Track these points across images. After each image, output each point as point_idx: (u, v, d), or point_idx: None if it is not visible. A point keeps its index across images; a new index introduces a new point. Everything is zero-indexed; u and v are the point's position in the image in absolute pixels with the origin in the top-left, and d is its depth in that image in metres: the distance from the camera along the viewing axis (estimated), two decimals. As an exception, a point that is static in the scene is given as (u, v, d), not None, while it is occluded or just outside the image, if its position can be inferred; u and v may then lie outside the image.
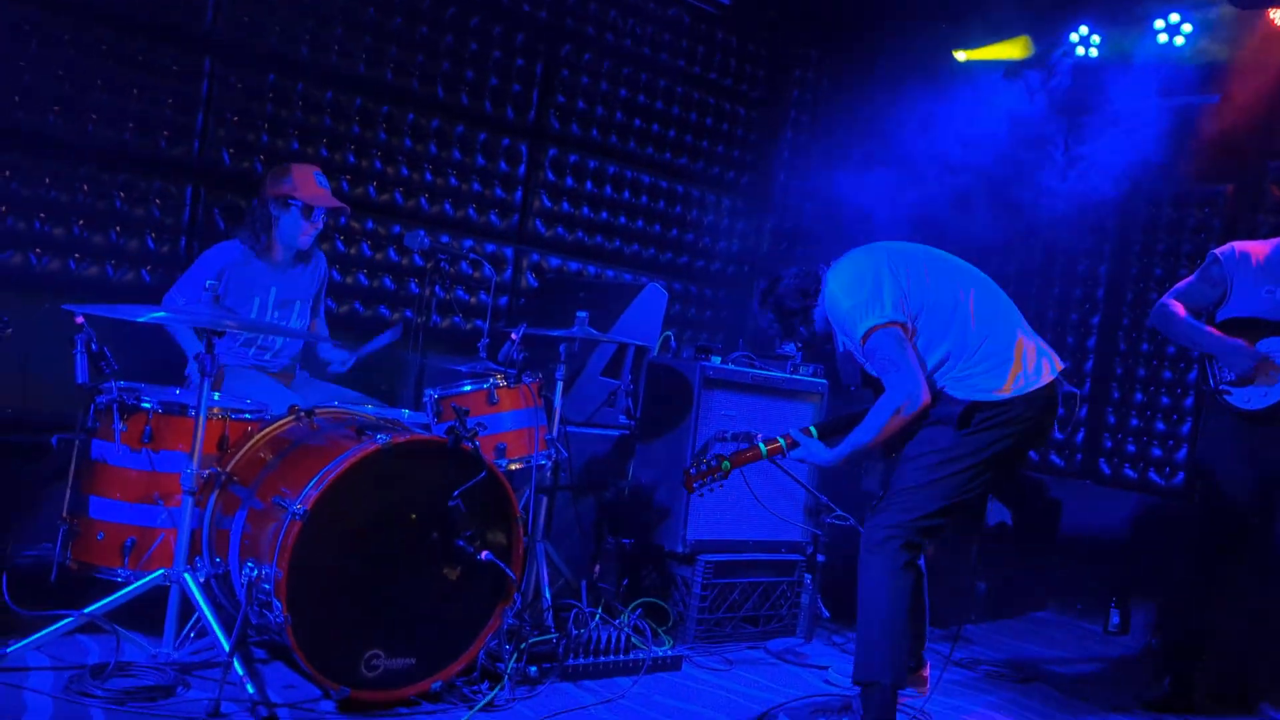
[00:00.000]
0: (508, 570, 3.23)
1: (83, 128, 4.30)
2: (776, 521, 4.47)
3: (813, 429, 3.58)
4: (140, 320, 3.01)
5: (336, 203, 4.16)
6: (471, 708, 3.13)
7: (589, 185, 5.93)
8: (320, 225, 4.15)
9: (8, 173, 4.15)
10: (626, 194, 6.09)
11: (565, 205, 5.85)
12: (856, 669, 3.26)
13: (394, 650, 3.08)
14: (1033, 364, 3.32)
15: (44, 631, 2.95)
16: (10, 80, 4.11)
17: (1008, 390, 3.26)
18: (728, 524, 4.40)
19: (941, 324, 3.30)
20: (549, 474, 3.97)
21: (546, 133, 5.72)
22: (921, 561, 3.40)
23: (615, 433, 4.67)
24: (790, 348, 4.83)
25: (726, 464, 3.64)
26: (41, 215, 4.25)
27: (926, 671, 3.77)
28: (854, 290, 3.31)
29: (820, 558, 4.50)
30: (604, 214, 6.01)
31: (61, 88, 4.23)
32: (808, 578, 4.48)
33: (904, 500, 3.28)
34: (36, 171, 4.21)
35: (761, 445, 3.59)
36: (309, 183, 4.08)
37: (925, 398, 3.21)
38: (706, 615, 4.22)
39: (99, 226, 4.41)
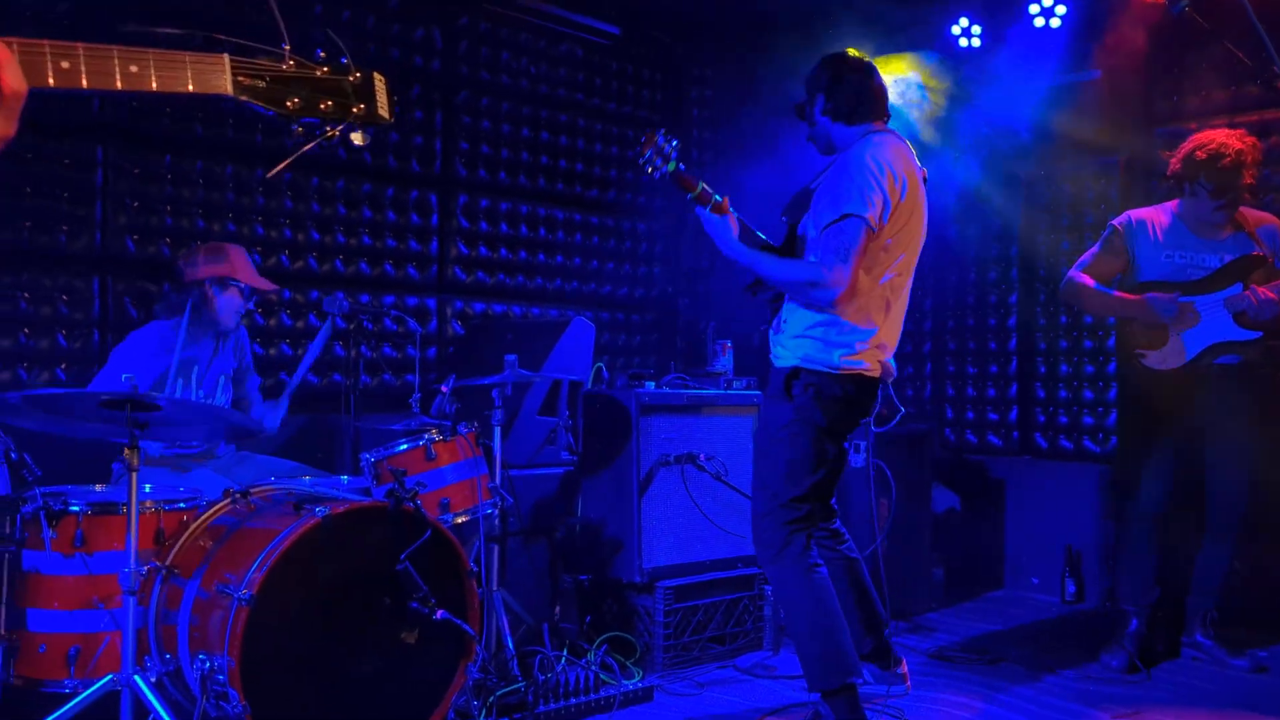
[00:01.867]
0: (465, 626, 3.21)
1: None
2: (729, 538, 4.50)
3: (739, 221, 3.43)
4: (58, 392, 2.94)
5: (270, 286, 4.16)
6: (446, 770, 3.09)
7: (503, 227, 5.93)
8: (247, 305, 4.14)
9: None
10: (542, 231, 6.11)
11: (483, 249, 5.84)
12: (809, 681, 3.30)
13: (370, 723, 3.03)
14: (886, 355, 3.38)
15: (-7, 757, 2.85)
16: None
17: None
18: (682, 547, 4.42)
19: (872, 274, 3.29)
20: (497, 522, 3.95)
21: (454, 180, 5.72)
22: (850, 547, 3.46)
23: (559, 470, 4.66)
24: (720, 363, 4.88)
25: (673, 165, 3.34)
26: (-57, 326, 4.13)
27: (905, 668, 3.80)
28: (870, 173, 3.19)
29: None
30: (522, 253, 6.02)
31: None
32: (768, 589, 4.51)
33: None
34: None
35: (713, 194, 3.38)
36: (246, 265, 4.10)
37: (840, 303, 3.21)
38: (672, 641, 4.22)
39: (6, 330, 4.29)
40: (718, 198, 3.39)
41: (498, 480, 3.87)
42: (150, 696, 2.95)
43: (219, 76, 1.57)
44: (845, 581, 3.60)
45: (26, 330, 4.35)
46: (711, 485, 4.44)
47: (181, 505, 3.36)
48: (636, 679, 3.95)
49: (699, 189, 3.36)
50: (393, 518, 3.15)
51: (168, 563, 3.20)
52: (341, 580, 3.05)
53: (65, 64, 1.45)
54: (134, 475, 2.98)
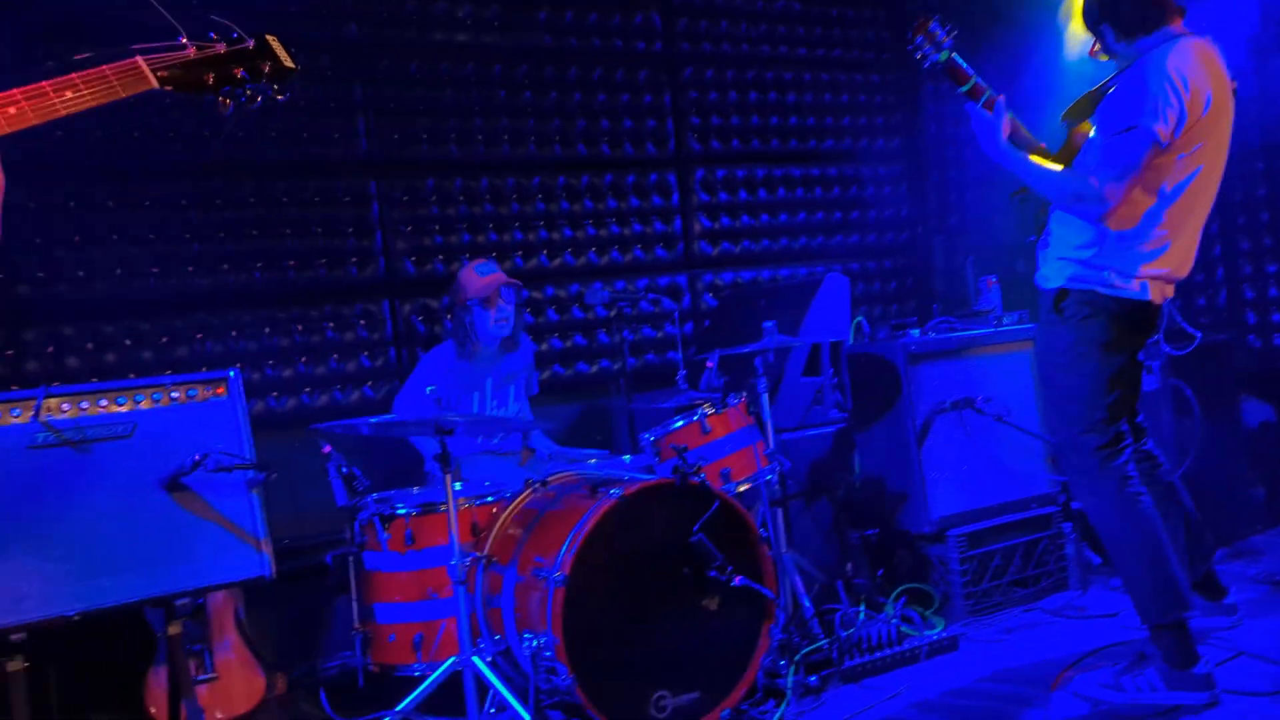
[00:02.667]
0: (763, 589, 3.30)
1: (284, 276, 4.72)
2: (1018, 479, 4.35)
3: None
4: (370, 425, 3.30)
5: (501, 279, 4.33)
6: (764, 728, 3.21)
7: (742, 194, 5.97)
8: (509, 304, 4.35)
9: (234, 332, 4.59)
10: (780, 192, 6.10)
11: (724, 220, 5.91)
12: (1141, 615, 3.13)
13: (677, 688, 3.20)
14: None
15: (368, 734, 3.24)
16: (214, 246, 4.55)
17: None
18: (969, 493, 4.31)
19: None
20: (777, 486, 4.02)
21: (690, 157, 5.81)
22: (1166, 470, 3.24)
23: (830, 429, 4.67)
24: (986, 300, 4.70)
25: (946, 55, 3.18)
26: (270, 362, 4.68)
27: (1233, 598, 3.55)
28: (1169, 82, 2.94)
29: (1075, 504, 4.33)
30: (763, 217, 6.03)
31: (257, 244, 4.66)
32: (1067, 527, 4.32)
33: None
34: (256, 324, 4.64)
35: (986, 89, 3.19)
36: (473, 279, 4.34)
37: (1110, 219, 3.01)
38: (972, 589, 4.14)
39: (319, 359, 4.81)
40: (991, 92, 3.18)
41: (772, 445, 3.94)
42: (489, 675, 3.25)
43: (141, 78, 1.81)
44: (1167, 506, 3.33)
45: (335, 355, 4.85)
46: (993, 428, 4.30)
47: (490, 499, 3.65)
48: (938, 629, 3.91)
49: (972, 82, 3.17)
50: (681, 492, 3.29)
51: (485, 552, 3.50)
52: (641, 555, 3.23)
53: (12, 110, 1.67)
54: (448, 478, 3.28)
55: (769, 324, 4.02)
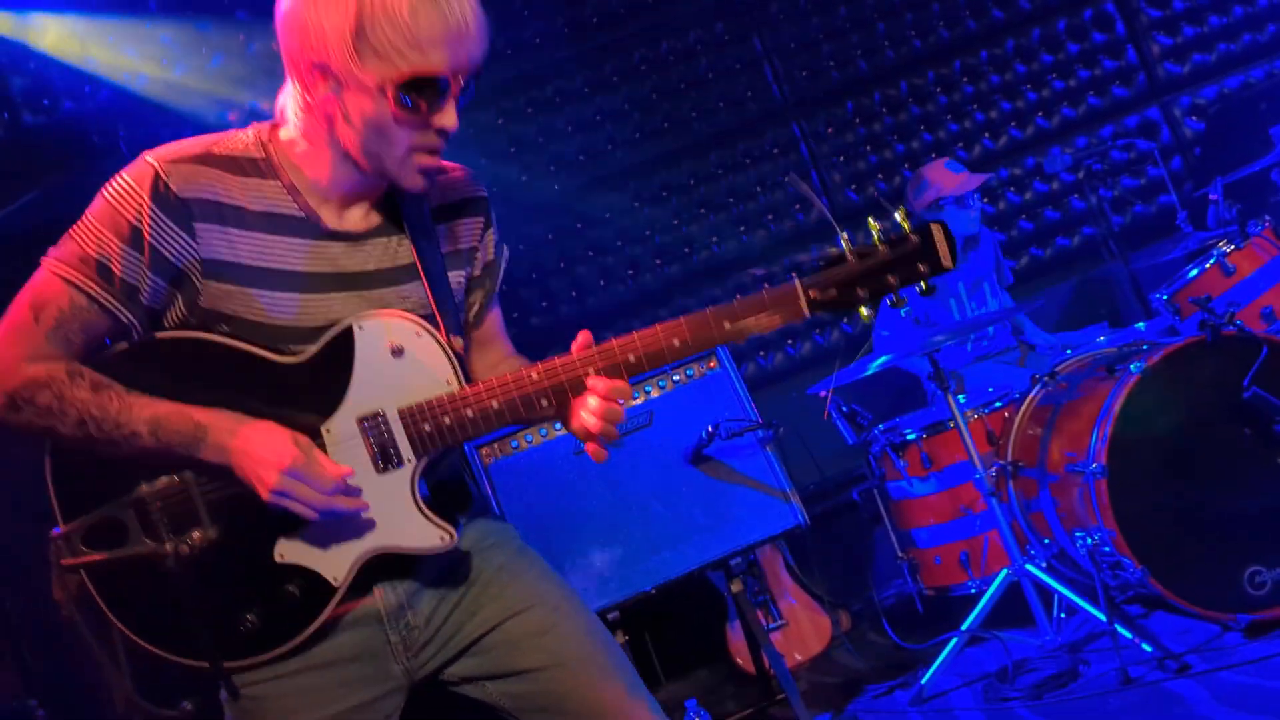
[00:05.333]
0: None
1: (739, 242, 4.89)
2: None
3: None
4: (869, 372, 3.30)
5: (979, 179, 4.09)
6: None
7: (1200, -11, 5.12)
8: (978, 206, 4.14)
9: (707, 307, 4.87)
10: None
11: (1186, 30, 5.11)
12: None
13: (1273, 560, 2.82)
14: None
15: (941, 656, 3.24)
16: (672, 235, 4.85)
17: None
18: None
19: None
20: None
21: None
22: None
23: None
24: None
25: None
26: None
27: None
28: None
29: None
30: (1236, 10, 5.13)
31: (709, 221, 4.88)
32: None
33: None
34: (726, 295, 4.87)
35: None
36: (946, 176, 4.11)
37: None
38: None
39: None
40: None
41: (1322, 265, 3.32)
42: (1047, 580, 3.12)
43: (795, 304, 1.61)
44: None
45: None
46: None
47: (998, 404, 3.49)
48: None
49: None
50: (1215, 348, 2.89)
51: (1009, 459, 3.34)
52: (1186, 426, 2.89)
53: (676, 341, 1.63)
54: (948, 396, 3.19)
55: (1277, 128, 3.40)
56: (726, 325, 1.64)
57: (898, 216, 1.63)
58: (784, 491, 3.22)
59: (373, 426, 1.57)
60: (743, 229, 4.89)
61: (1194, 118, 5.08)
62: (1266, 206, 3.46)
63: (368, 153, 1.53)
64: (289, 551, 1.57)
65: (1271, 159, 3.36)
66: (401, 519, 1.58)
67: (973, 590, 3.39)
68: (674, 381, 3.28)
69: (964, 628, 3.21)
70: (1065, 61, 5.06)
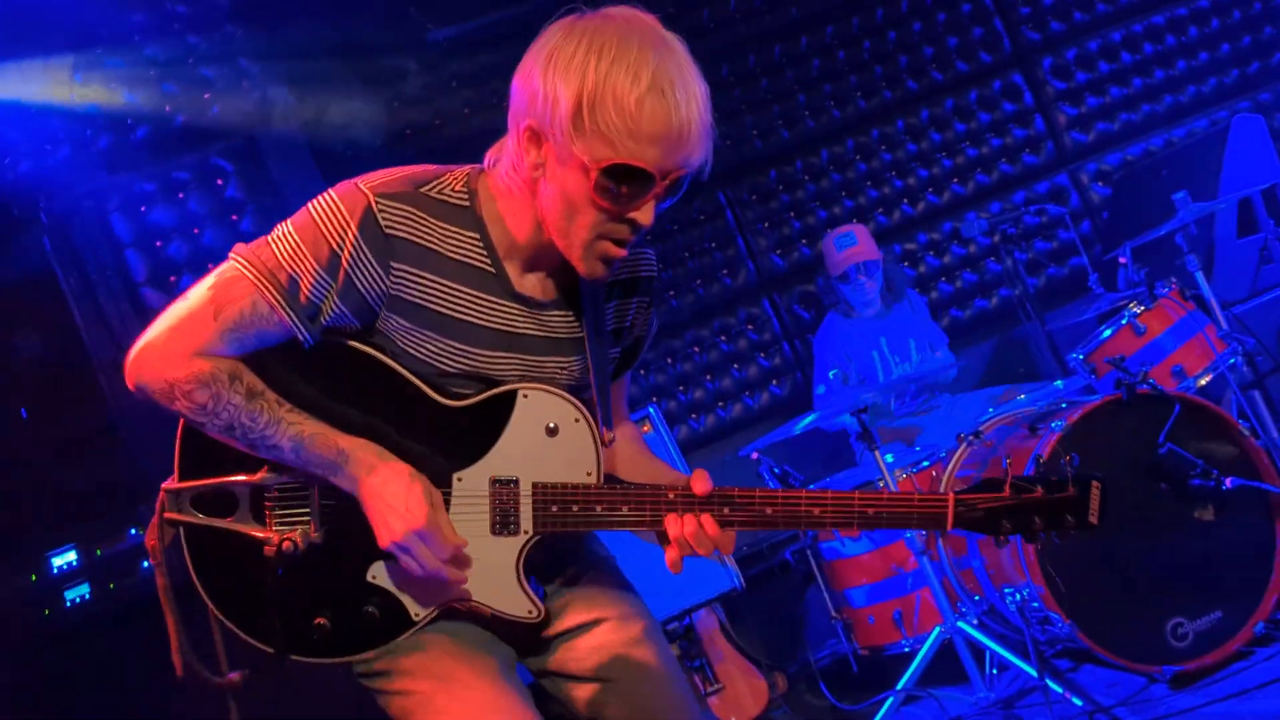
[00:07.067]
0: (1264, 486, 2.90)
1: (668, 306, 4.95)
2: None
3: None
4: (796, 432, 3.33)
5: (862, 258, 4.21)
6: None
7: (1102, 66, 5.38)
8: (870, 277, 4.24)
9: (641, 370, 4.89)
10: (1147, 48, 5.42)
11: (1090, 100, 5.36)
12: None
13: (1193, 611, 2.90)
14: None
15: (878, 717, 3.25)
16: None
17: None
18: None
19: None
20: (1245, 368, 3.53)
21: (1030, 48, 5.35)
22: None
23: (1291, 285, 4.04)
24: None
25: None
26: (680, 388, 4.92)
27: None
28: None
29: None
30: (1135, 82, 5.39)
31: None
32: None
33: None
34: (658, 358, 4.91)
35: None
36: (830, 253, 4.28)
37: None
38: None
39: (722, 373, 4.98)
40: None
41: (1225, 325, 3.47)
42: (978, 636, 3.16)
43: (941, 512, 1.60)
44: None
45: (735, 365, 5.00)
46: None
47: (925, 463, 3.55)
48: None
49: None
50: (1131, 406, 2.99)
51: (938, 517, 3.39)
52: (1107, 483, 2.96)
53: (815, 510, 1.59)
54: (876, 454, 3.24)
55: (1179, 195, 3.57)
56: (870, 512, 1.62)
57: (1064, 464, 1.63)
58: (718, 555, 3.21)
59: (503, 490, 1.60)
60: (671, 293, 4.95)
61: (1100, 183, 5.30)
62: (1172, 269, 3.61)
63: (557, 228, 1.53)
64: (381, 575, 1.60)
65: (1175, 224, 3.51)
66: (499, 584, 1.62)
67: (906, 649, 3.42)
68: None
69: (899, 687, 3.22)
70: (977, 130, 5.26)
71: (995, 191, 5.24)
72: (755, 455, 3.75)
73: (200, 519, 1.58)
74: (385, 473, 1.52)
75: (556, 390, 1.62)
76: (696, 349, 4.96)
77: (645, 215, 1.51)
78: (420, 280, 1.55)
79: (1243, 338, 3.48)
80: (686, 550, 1.60)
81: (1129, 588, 2.92)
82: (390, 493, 1.51)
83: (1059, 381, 3.75)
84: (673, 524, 1.60)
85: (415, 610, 1.61)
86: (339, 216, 1.51)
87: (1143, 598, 2.92)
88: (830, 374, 3.48)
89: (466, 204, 1.58)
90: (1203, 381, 3.37)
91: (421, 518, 1.50)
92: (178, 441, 1.62)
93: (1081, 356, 3.52)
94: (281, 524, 1.58)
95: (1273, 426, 3.48)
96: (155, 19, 3.89)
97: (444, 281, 1.56)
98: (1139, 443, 2.95)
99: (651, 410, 3.50)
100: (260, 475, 1.58)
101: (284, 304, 1.52)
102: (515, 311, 1.62)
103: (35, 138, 3.74)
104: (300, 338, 1.55)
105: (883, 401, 4.27)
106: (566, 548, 1.77)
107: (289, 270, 1.52)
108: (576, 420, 1.62)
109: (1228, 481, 2.87)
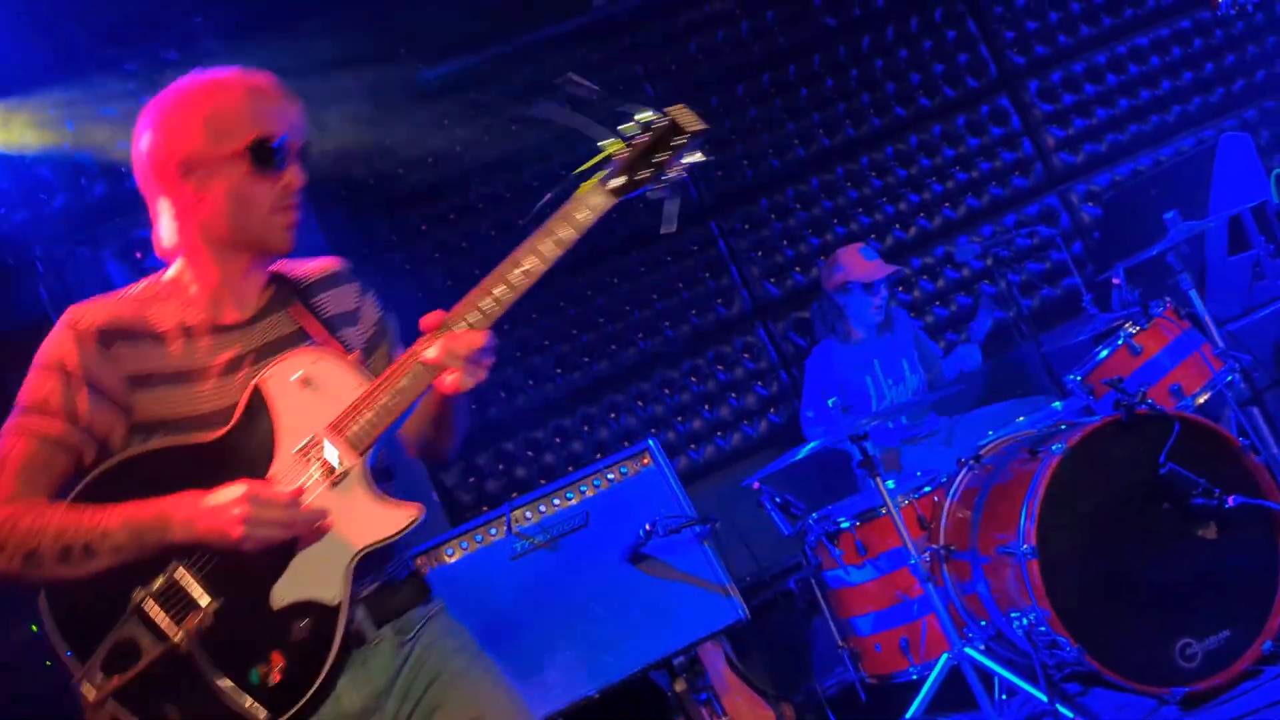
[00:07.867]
0: (1265, 502, 2.90)
1: (664, 337, 4.96)
2: None
3: None
4: (798, 458, 3.33)
5: (888, 270, 4.25)
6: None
7: (1088, 88, 5.43)
8: (884, 295, 4.27)
9: (639, 402, 4.89)
10: (1132, 69, 5.48)
11: (1077, 122, 5.41)
12: None
13: (1201, 631, 2.88)
14: None
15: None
16: (598, 332, 4.88)
17: None
18: None
19: None
20: (1243, 384, 3.54)
21: (1016, 73, 5.40)
22: None
23: (1283, 301, 4.06)
24: None
25: None
26: (678, 418, 4.92)
27: None
28: None
29: None
30: (1122, 103, 5.44)
31: (633, 318, 4.93)
32: None
33: None
34: (655, 389, 4.91)
35: None
36: (857, 261, 4.26)
37: None
38: None
39: (719, 402, 4.98)
40: None
41: (1220, 343, 3.49)
42: (986, 661, 3.13)
43: (600, 197, 1.80)
44: None
45: (732, 394, 5.00)
46: None
47: (927, 489, 3.55)
48: None
49: None
50: (1130, 426, 3.00)
51: (941, 542, 3.39)
52: (1109, 504, 2.97)
53: (526, 265, 1.88)
54: (878, 482, 3.23)
55: (1170, 214, 3.60)
56: (561, 234, 1.86)
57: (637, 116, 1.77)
58: (723, 586, 3.20)
59: (310, 450, 1.69)
60: (667, 323, 4.96)
61: (1091, 204, 5.33)
62: (1166, 288, 3.63)
63: (235, 225, 1.73)
64: (285, 592, 1.66)
65: (1167, 243, 3.54)
66: (368, 517, 1.69)
67: (914, 676, 3.39)
68: (608, 480, 3.26)
69: (908, 715, 3.20)
70: (966, 155, 5.30)
71: (986, 214, 5.27)
72: (756, 485, 3.74)
73: (121, 678, 1.60)
74: (203, 498, 1.63)
75: (280, 356, 1.74)
76: (693, 379, 4.96)
77: (295, 177, 1.75)
78: (139, 351, 1.72)
79: (1239, 354, 3.49)
80: (455, 363, 1.71)
81: (1136, 609, 2.91)
82: (211, 503, 1.61)
83: (1058, 403, 3.75)
84: (431, 358, 1.71)
85: (331, 596, 1.65)
86: (53, 339, 1.73)
87: (1150, 619, 2.91)
88: (829, 402, 3.48)
89: (158, 281, 1.80)
90: (1201, 399, 3.37)
91: (238, 493, 1.59)
92: (53, 626, 1.66)
93: (1079, 378, 3.52)
94: (177, 616, 1.61)
95: (1272, 442, 3.49)
96: (147, 66, 3.92)
97: (161, 344, 1.74)
98: (1140, 463, 2.95)
99: (650, 442, 3.48)
100: (135, 598, 1.61)
101: (43, 425, 1.68)
102: (234, 335, 1.78)
103: (29, 186, 3.75)
104: (76, 446, 1.69)
105: (873, 429, 4.27)
106: (447, 644, 1.81)
107: (35, 399, 1.70)
108: (315, 360, 1.74)
109: (1230, 499, 2.87)
